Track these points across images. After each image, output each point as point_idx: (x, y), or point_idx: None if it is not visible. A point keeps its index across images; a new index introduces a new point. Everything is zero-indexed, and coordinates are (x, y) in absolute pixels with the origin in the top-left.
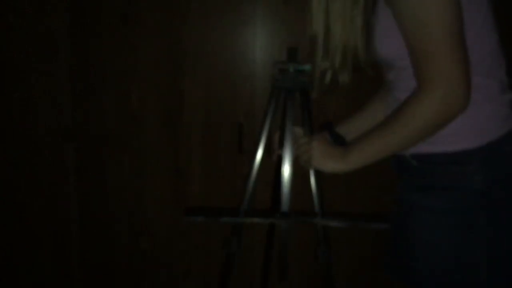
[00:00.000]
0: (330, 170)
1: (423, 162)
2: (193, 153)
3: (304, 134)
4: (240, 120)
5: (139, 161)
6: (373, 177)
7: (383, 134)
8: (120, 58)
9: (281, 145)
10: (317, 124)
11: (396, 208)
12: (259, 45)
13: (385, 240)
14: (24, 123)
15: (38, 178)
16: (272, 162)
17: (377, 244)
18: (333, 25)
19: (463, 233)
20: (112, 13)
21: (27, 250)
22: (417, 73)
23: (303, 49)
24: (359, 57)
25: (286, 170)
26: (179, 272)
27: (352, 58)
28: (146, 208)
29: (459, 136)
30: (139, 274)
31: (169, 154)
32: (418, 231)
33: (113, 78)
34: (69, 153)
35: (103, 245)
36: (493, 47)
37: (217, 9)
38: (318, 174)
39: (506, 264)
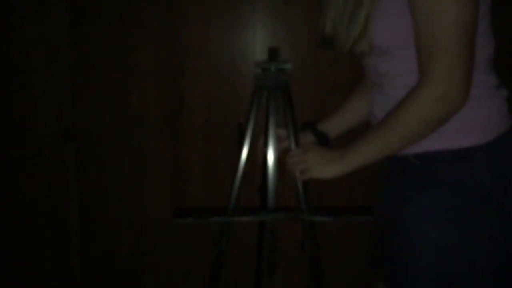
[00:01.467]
0: (329, 175)
1: (428, 161)
2: (193, 153)
3: (288, 135)
4: (240, 120)
5: (139, 161)
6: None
7: (382, 133)
8: (120, 58)
9: (265, 145)
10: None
11: (385, 209)
12: (259, 45)
13: (371, 244)
14: (24, 123)
15: (38, 178)
16: (259, 164)
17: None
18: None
19: (468, 230)
20: (112, 13)
21: (27, 250)
22: (421, 67)
23: (303, 47)
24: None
25: (271, 167)
26: (179, 272)
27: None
28: (146, 208)
29: (466, 132)
30: (139, 274)
31: (169, 154)
32: (421, 229)
33: (113, 78)
34: (69, 153)
35: (103, 245)
36: (494, 44)
37: (217, 9)
38: None
39: (507, 265)
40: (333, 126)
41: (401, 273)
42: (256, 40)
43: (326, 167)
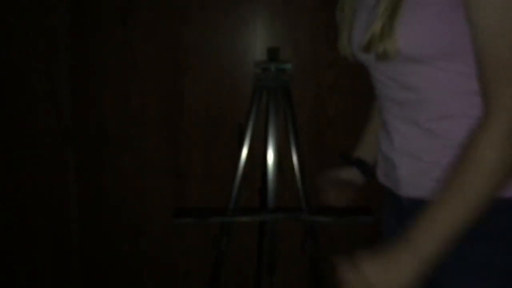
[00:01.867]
0: (402, 283)
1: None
2: (193, 153)
3: (287, 136)
4: (240, 120)
5: (139, 161)
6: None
7: (454, 194)
8: (120, 58)
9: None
10: (312, 124)
11: None
12: (259, 45)
13: None
14: (24, 123)
15: (38, 178)
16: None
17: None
18: None
19: None
20: (112, 13)
21: (27, 250)
22: (486, 93)
23: (303, 47)
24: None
25: (271, 167)
26: (179, 272)
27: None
28: (146, 208)
29: None
30: (139, 274)
31: (169, 154)
32: None
33: (113, 78)
34: (69, 153)
35: (103, 245)
36: None
37: (217, 9)
38: (302, 170)
39: None
40: (369, 150)
41: None
42: (256, 40)
43: (392, 276)
